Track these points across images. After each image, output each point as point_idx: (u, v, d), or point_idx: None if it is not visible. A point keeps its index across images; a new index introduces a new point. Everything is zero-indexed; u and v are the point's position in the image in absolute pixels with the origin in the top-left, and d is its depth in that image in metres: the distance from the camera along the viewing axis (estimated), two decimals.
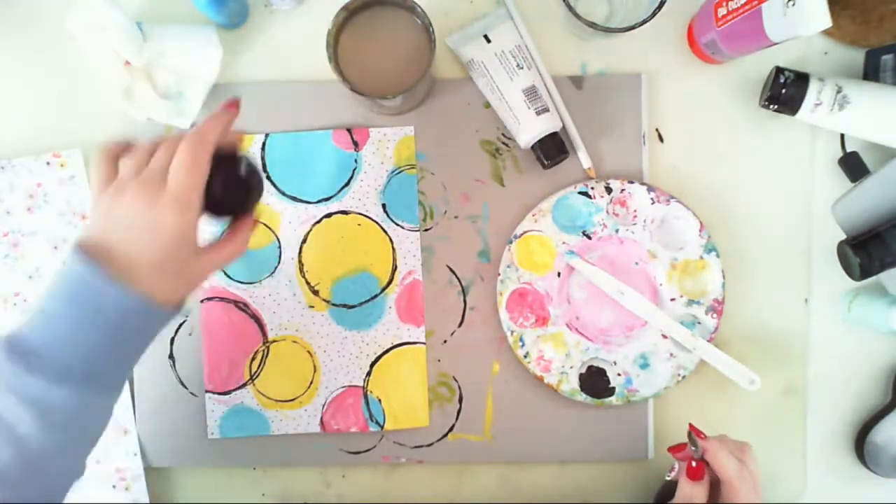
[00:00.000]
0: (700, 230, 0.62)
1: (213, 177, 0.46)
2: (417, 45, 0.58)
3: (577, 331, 0.63)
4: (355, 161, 0.64)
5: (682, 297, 0.62)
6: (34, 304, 0.44)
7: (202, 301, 0.64)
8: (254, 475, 0.66)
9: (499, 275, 0.63)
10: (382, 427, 0.64)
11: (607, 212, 0.63)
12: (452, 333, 0.64)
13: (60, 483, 0.46)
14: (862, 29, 0.62)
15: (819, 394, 0.65)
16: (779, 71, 0.58)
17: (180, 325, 0.64)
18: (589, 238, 0.63)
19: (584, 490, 0.65)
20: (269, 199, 0.64)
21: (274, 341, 0.64)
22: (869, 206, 0.58)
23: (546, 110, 0.61)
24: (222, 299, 0.64)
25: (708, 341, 0.62)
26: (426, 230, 0.64)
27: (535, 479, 0.65)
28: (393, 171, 0.64)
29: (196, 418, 0.65)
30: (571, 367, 0.63)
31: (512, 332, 0.63)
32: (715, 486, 0.52)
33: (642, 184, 0.62)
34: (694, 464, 0.51)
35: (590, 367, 0.63)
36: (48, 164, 0.64)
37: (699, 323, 0.63)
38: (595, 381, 0.63)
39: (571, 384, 0.63)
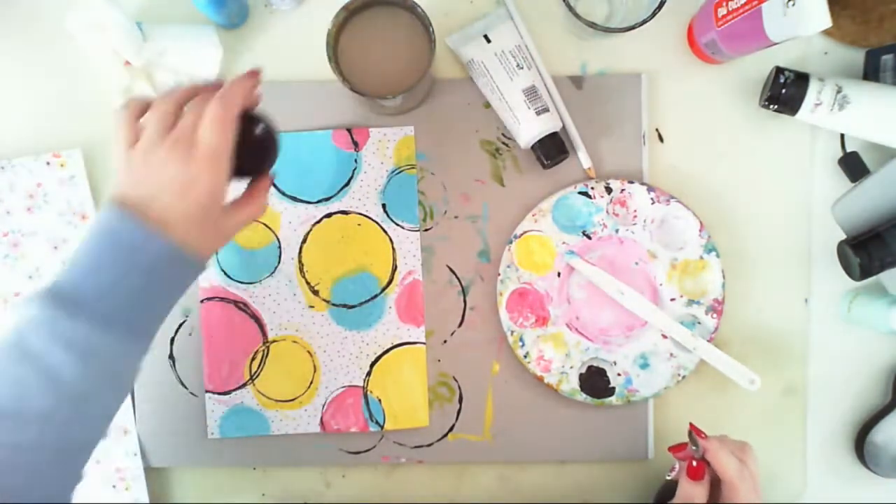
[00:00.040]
0: (700, 230, 0.62)
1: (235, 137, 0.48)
2: (417, 45, 0.58)
3: (577, 331, 0.63)
4: (355, 161, 0.64)
5: (682, 297, 0.62)
6: (69, 257, 0.45)
7: (202, 301, 0.64)
8: (254, 475, 0.66)
9: (499, 275, 0.63)
10: (382, 427, 0.64)
11: (607, 212, 0.63)
12: (452, 333, 0.64)
13: (97, 432, 0.47)
14: (862, 29, 0.62)
15: (819, 394, 0.65)
16: (779, 71, 0.58)
17: (180, 325, 0.64)
18: (589, 238, 0.63)
19: (584, 490, 0.65)
20: (270, 199, 0.64)
21: (274, 341, 0.64)
22: (869, 206, 0.58)
23: (546, 110, 0.61)
24: (222, 299, 0.64)
25: (708, 341, 0.62)
26: (426, 230, 0.64)
27: (535, 479, 0.65)
28: (393, 171, 0.64)
29: (196, 418, 0.65)
30: (571, 367, 0.63)
31: (512, 332, 0.63)
32: (715, 485, 0.52)
33: (642, 184, 0.62)
34: (694, 463, 0.51)
35: (590, 367, 0.63)
36: (48, 164, 0.64)
37: (699, 323, 0.63)
38: (595, 381, 0.63)
39: (571, 384, 0.63)
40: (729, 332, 0.64)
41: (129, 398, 0.64)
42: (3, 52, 0.65)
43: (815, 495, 0.65)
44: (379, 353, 0.64)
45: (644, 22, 0.55)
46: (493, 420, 0.64)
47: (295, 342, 0.64)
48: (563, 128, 0.63)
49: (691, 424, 0.53)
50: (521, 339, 0.63)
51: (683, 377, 0.62)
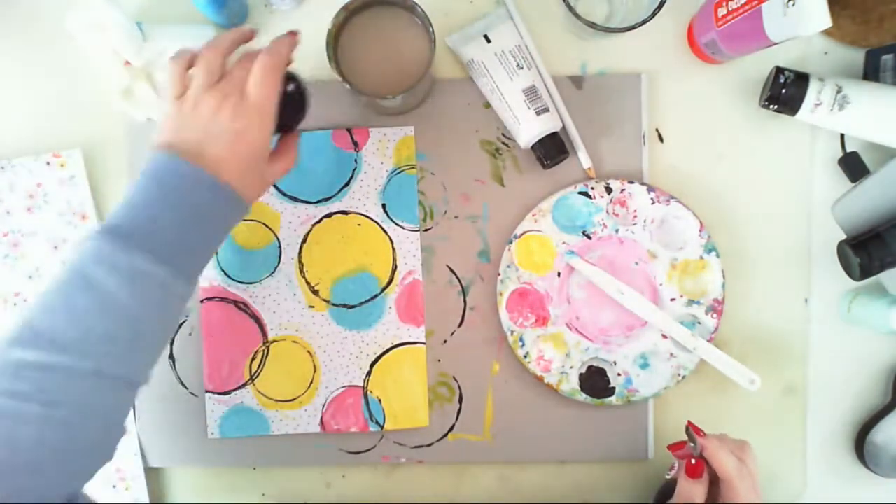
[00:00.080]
0: (700, 230, 0.62)
1: None
2: (417, 45, 0.58)
3: (577, 331, 0.63)
4: (355, 161, 0.64)
5: (682, 297, 0.62)
6: (123, 197, 0.47)
7: (202, 301, 0.64)
8: (254, 475, 0.66)
9: (499, 275, 0.63)
10: (382, 427, 0.64)
11: (607, 212, 0.63)
12: (452, 333, 0.64)
13: (145, 369, 0.49)
14: (862, 29, 0.62)
15: (819, 394, 0.65)
16: (779, 71, 0.58)
17: (180, 325, 0.64)
18: (589, 238, 0.63)
19: (584, 490, 0.65)
20: (270, 199, 0.64)
21: (274, 341, 0.64)
22: (869, 206, 0.58)
23: (546, 110, 0.61)
24: (222, 299, 0.64)
25: (708, 341, 0.62)
26: (426, 230, 0.64)
27: (535, 479, 0.65)
28: (393, 171, 0.64)
29: (196, 418, 0.65)
30: (571, 367, 0.63)
31: (512, 332, 0.63)
32: (714, 484, 0.52)
33: (642, 184, 0.62)
34: (693, 461, 0.51)
35: (590, 367, 0.63)
36: (48, 164, 0.64)
37: (699, 323, 0.63)
38: (595, 381, 0.63)
39: (571, 384, 0.63)
40: (729, 332, 0.64)
41: None
42: (3, 52, 0.65)
43: (815, 495, 0.65)
44: (379, 353, 0.64)
45: (644, 22, 0.55)
46: (493, 420, 0.64)
47: (295, 342, 0.64)
48: (563, 128, 0.63)
49: (689, 422, 0.53)
50: (521, 339, 0.63)
51: (683, 377, 0.62)
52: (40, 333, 0.43)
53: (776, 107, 0.59)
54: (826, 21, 0.49)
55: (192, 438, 0.65)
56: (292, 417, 0.64)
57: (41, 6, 0.65)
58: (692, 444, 0.52)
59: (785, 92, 0.58)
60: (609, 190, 0.62)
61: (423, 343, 0.64)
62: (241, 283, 0.64)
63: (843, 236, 0.59)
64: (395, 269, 0.64)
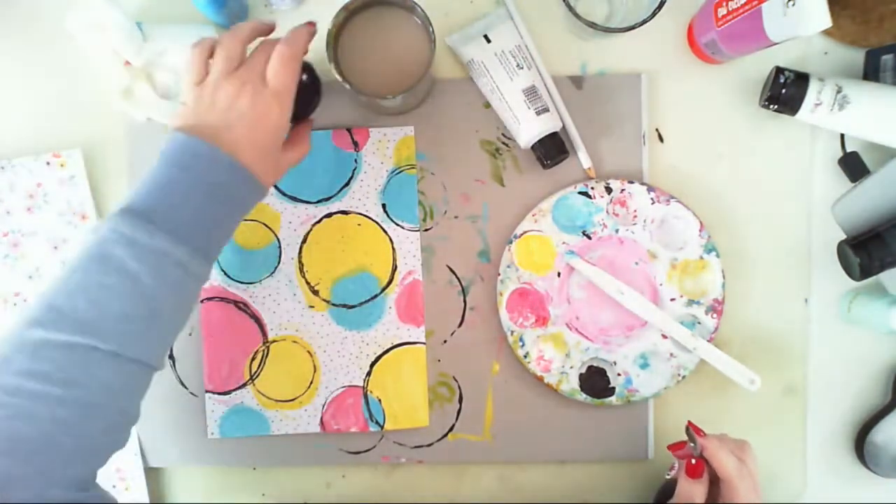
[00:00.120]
0: (700, 230, 0.62)
1: None
2: (417, 45, 0.58)
3: (577, 331, 0.63)
4: (355, 161, 0.64)
5: (682, 297, 0.62)
6: (141, 179, 0.48)
7: (202, 301, 0.64)
8: (254, 475, 0.66)
9: (499, 275, 0.63)
10: (382, 427, 0.64)
11: (607, 212, 0.63)
12: (452, 333, 0.64)
13: (161, 352, 0.49)
14: (862, 29, 0.62)
15: (819, 394, 0.65)
16: (779, 71, 0.58)
17: None
18: (589, 238, 0.63)
19: (584, 490, 0.65)
20: (270, 199, 0.64)
21: (274, 341, 0.64)
22: (869, 206, 0.58)
23: (546, 110, 0.61)
24: (222, 299, 0.64)
25: (708, 341, 0.62)
26: (426, 230, 0.64)
27: (535, 479, 0.65)
28: (393, 171, 0.64)
29: (196, 418, 0.65)
30: (571, 367, 0.63)
31: (512, 332, 0.63)
32: (714, 484, 0.52)
33: (642, 184, 0.62)
34: (693, 461, 0.51)
35: (590, 367, 0.63)
36: (48, 164, 0.64)
37: (699, 323, 0.63)
38: (595, 381, 0.63)
39: (571, 384, 0.63)
40: (729, 332, 0.64)
41: None
42: (3, 52, 0.65)
43: (815, 495, 0.65)
44: (379, 353, 0.64)
45: (644, 22, 0.55)
46: (493, 420, 0.64)
47: (295, 342, 0.64)
48: (563, 128, 0.63)
49: (689, 422, 0.53)
50: (521, 339, 0.63)
51: (683, 377, 0.62)
52: (60, 313, 0.44)
53: (776, 107, 0.59)
54: (826, 21, 0.49)
55: (192, 438, 0.65)
56: (292, 417, 0.64)
57: (41, 6, 0.65)
58: (692, 445, 0.52)
59: (785, 92, 0.58)
60: (609, 190, 0.62)
61: (423, 343, 0.64)
62: (241, 283, 0.64)
63: (843, 236, 0.59)
64: (395, 269, 0.64)
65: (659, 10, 0.54)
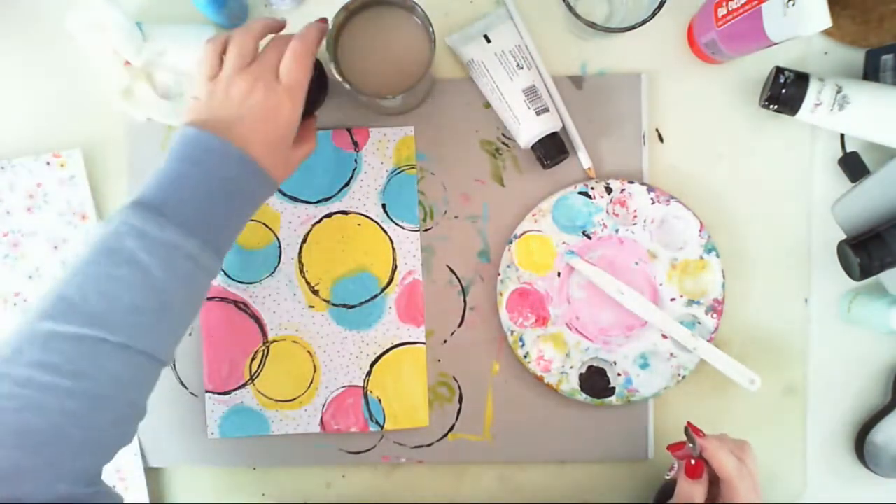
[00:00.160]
0: (700, 230, 0.62)
1: None
2: (417, 45, 0.58)
3: (577, 331, 0.63)
4: (355, 161, 0.64)
5: (682, 297, 0.62)
6: (153, 173, 0.48)
7: None
8: (254, 475, 0.66)
9: (499, 275, 0.63)
10: (382, 427, 0.64)
11: (607, 212, 0.63)
12: (452, 333, 0.64)
13: (170, 345, 0.49)
14: (862, 29, 0.62)
15: (819, 394, 0.65)
16: (779, 71, 0.58)
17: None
18: (589, 238, 0.63)
19: (584, 490, 0.65)
20: (270, 199, 0.64)
21: (274, 341, 0.64)
22: (869, 206, 0.58)
23: (546, 110, 0.61)
24: (222, 299, 0.64)
25: (708, 341, 0.62)
26: (426, 230, 0.64)
27: (535, 479, 0.65)
28: (393, 171, 0.64)
29: (196, 418, 0.65)
30: (571, 367, 0.63)
31: (512, 332, 0.63)
32: (714, 484, 0.52)
33: (642, 184, 0.62)
34: (693, 462, 0.51)
35: (590, 367, 0.63)
36: (48, 164, 0.64)
37: (699, 323, 0.63)
38: (595, 381, 0.63)
39: (571, 384, 0.63)
40: (729, 332, 0.64)
41: None
42: (3, 52, 0.65)
43: (815, 495, 0.65)
44: (379, 353, 0.64)
45: (644, 22, 0.55)
46: (493, 420, 0.64)
47: (295, 342, 0.64)
48: (563, 128, 0.63)
49: (689, 423, 0.53)
50: (521, 339, 0.63)
51: (683, 377, 0.62)
52: (71, 305, 0.44)
53: (776, 107, 0.59)
54: (826, 21, 0.49)
55: (192, 438, 0.65)
56: (292, 417, 0.64)
57: (41, 6, 0.65)
58: (692, 445, 0.52)
59: (785, 92, 0.58)
60: (609, 190, 0.62)
61: (423, 343, 0.64)
62: (241, 283, 0.64)
63: (843, 236, 0.59)
64: (395, 269, 0.64)
65: (659, 10, 0.54)
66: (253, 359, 0.64)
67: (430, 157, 0.64)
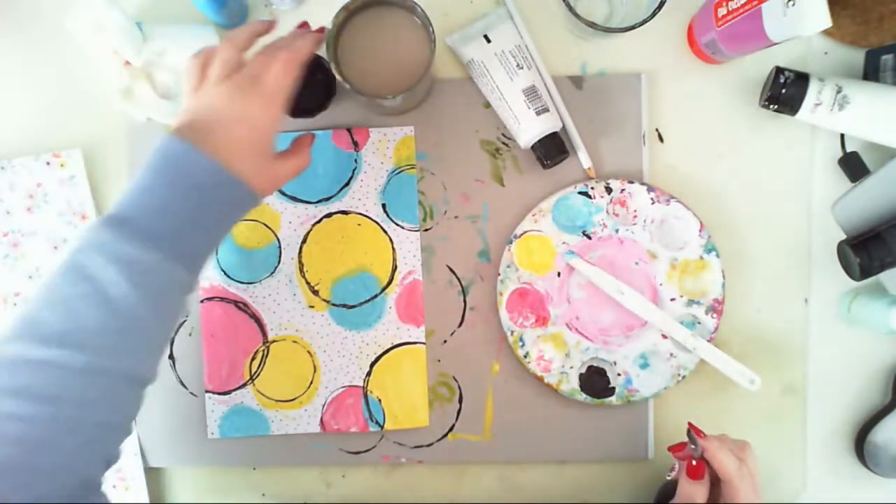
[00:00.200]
0: (700, 230, 0.62)
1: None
2: (417, 45, 0.58)
3: (577, 331, 0.63)
4: (355, 161, 0.64)
5: (682, 297, 0.62)
6: (127, 185, 0.47)
7: (202, 301, 0.64)
8: (254, 475, 0.66)
9: (499, 275, 0.63)
10: (382, 427, 0.64)
11: (607, 212, 0.63)
12: (452, 333, 0.64)
13: (144, 364, 0.48)
14: (862, 29, 0.62)
15: (819, 394, 0.65)
16: (779, 71, 0.58)
17: (180, 326, 0.64)
18: (589, 238, 0.63)
19: (584, 490, 0.65)
20: (270, 199, 0.64)
21: (274, 341, 0.64)
22: (869, 206, 0.58)
23: (546, 110, 0.61)
24: (222, 299, 0.64)
25: (708, 341, 0.62)
26: (426, 230, 0.64)
27: (535, 479, 0.65)
28: (393, 171, 0.64)
29: (196, 418, 0.65)
30: (571, 367, 0.63)
31: (512, 332, 0.63)
32: (715, 485, 0.52)
33: (642, 184, 0.62)
34: (694, 463, 0.51)
35: (590, 367, 0.63)
36: (48, 164, 0.64)
37: (699, 323, 0.63)
38: (595, 381, 0.63)
39: (571, 384, 0.63)
40: (729, 332, 0.64)
41: None
42: (3, 52, 0.65)
43: (815, 495, 0.65)
44: (379, 353, 0.64)
45: (644, 22, 0.55)
46: (493, 420, 0.64)
47: (295, 342, 0.64)
48: (563, 128, 0.63)
49: (690, 424, 0.53)
50: (521, 339, 0.63)
51: (683, 377, 0.62)
52: (35, 327, 0.43)
53: (776, 107, 0.59)
54: (826, 21, 0.49)
55: (192, 438, 0.65)
56: (292, 417, 0.64)
57: (41, 6, 0.65)
58: (693, 446, 0.52)
59: (785, 92, 0.58)
60: (609, 190, 0.62)
61: (423, 343, 0.64)
62: (241, 283, 0.64)
63: (843, 236, 0.59)
64: (395, 269, 0.64)
65: (659, 10, 0.54)
66: (253, 359, 0.64)
67: (430, 157, 0.64)
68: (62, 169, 0.64)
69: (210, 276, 0.64)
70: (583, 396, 0.63)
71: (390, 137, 0.64)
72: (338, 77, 0.56)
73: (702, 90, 0.64)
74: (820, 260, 0.64)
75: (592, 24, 0.55)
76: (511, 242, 0.63)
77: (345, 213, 0.64)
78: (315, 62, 0.57)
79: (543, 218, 0.63)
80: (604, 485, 0.65)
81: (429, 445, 0.64)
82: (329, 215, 0.64)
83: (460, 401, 0.64)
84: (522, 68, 0.61)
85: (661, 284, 0.63)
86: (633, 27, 0.55)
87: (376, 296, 0.64)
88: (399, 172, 0.64)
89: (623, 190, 0.62)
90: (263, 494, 0.66)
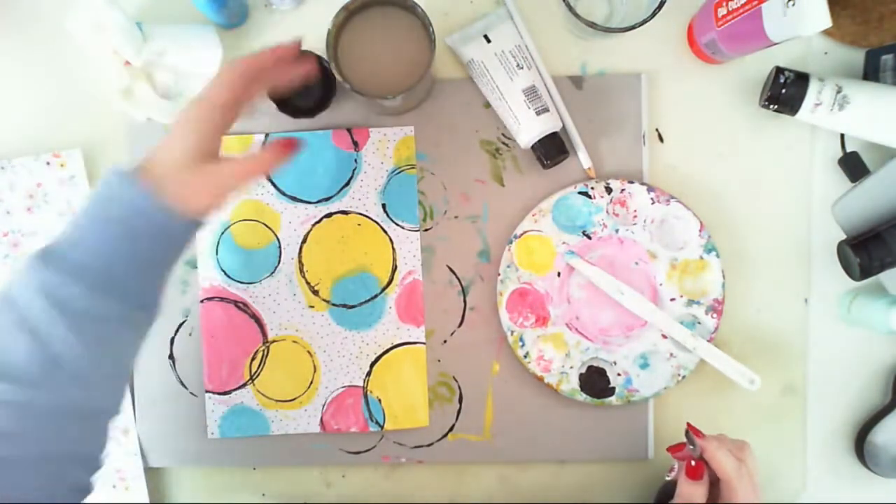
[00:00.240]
0: (700, 230, 0.62)
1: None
2: (417, 45, 0.58)
3: (577, 331, 0.63)
4: (355, 161, 0.64)
5: (682, 297, 0.62)
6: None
7: (202, 301, 0.64)
8: (254, 475, 0.66)
9: (499, 275, 0.63)
10: (382, 427, 0.64)
11: (607, 212, 0.63)
12: (452, 333, 0.64)
13: (88, 396, 0.46)
14: (862, 29, 0.62)
15: (819, 394, 0.65)
16: (779, 71, 0.58)
17: (180, 325, 0.65)
18: (589, 238, 0.63)
19: (584, 490, 0.65)
20: (270, 199, 0.64)
21: (274, 341, 0.64)
22: (869, 206, 0.58)
23: (546, 110, 0.61)
24: (222, 299, 0.64)
25: (708, 341, 0.62)
26: (426, 230, 0.64)
27: (535, 479, 0.65)
28: (393, 171, 0.64)
29: (196, 418, 0.65)
30: (571, 367, 0.63)
31: (512, 332, 0.63)
32: (715, 485, 0.52)
33: (642, 184, 0.62)
34: (693, 463, 0.51)
35: (590, 367, 0.63)
36: (48, 164, 0.64)
37: (699, 323, 0.63)
38: (595, 381, 0.63)
39: (571, 384, 0.63)
40: (729, 332, 0.64)
41: (129, 398, 0.64)
42: (3, 52, 0.65)
43: (815, 495, 0.65)
44: (379, 353, 0.64)
45: (644, 22, 0.55)
46: (493, 420, 0.64)
47: (295, 342, 0.64)
48: (563, 128, 0.63)
49: (688, 424, 0.53)
50: (521, 339, 0.63)
51: (683, 377, 0.62)
52: None
53: (776, 107, 0.59)
54: (826, 21, 0.49)
55: (192, 438, 0.65)
56: (292, 417, 0.64)
57: (41, 6, 0.65)
58: (692, 446, 0.52)
59: (785, 92, 0.58)
60: (609, 190, 0.62)
61: (423, 343, 0.64)
62: (241, 283, 0.64)
63: (843, 236, 0.59)
64: (395, 269, 0.64)
65: (659, 10, 0.54)
66: (253, 359, 0.64)
67: (430, 157, 0.64)
68: (62, 169, 0.64)
69: (210, 276, 0.64)
70: (583, 396, 0.63)
71: (390, 137, 0.64)
72: (338, 77, 0.56)
73: (702, 90, 0.64)
74: (820, 260, 0.64)
75: (592, 24, 0.55)
76: (511, 242, 0.63)
77: (345, 213, 0.64)
78: (314, 62, 0.57)
79: (543, 218, 0.63)
80: (604, 485, 0.65)
81: (429, 445, 0.64)
82: (329, 215, 0.64)
83: (460, 401, 0.64)
84: (522, 68, 0.61)
85: (661, 284, 0.63)
86: (633, 27, 0.55)
87: (376, 296, 0.64)
88: (399, 172, 0.64)
89: (623, 190, 0.62)
90: (263, 494, 0.66)
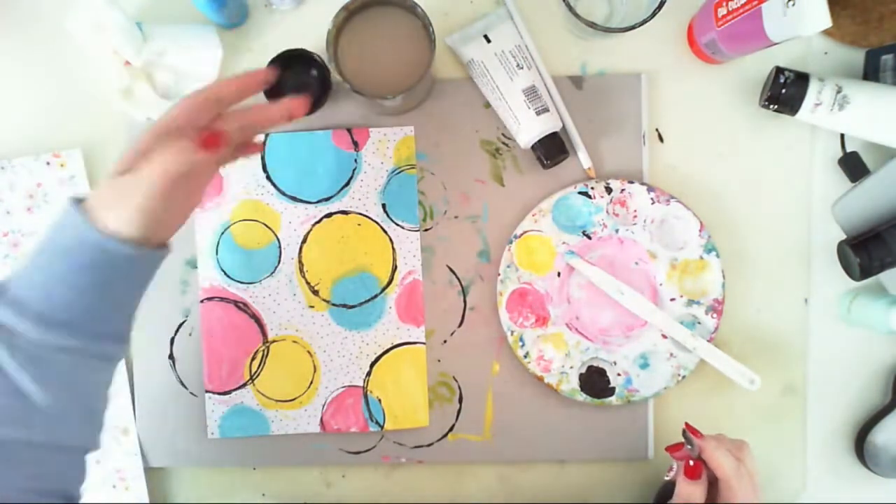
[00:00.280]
0: (700, 230, 0.62)
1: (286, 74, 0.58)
2: (417, 45, 0.58)
3: (577, 331, 0.63)
4: (355, 161, 0.64)
5: (682, 297, 0.62)
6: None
7: (202, 301, 0.64)
8: (254, 475, 0.66)
9: (499, 275, 0.63)
10: (382, 427, 0.64)
11: (607, 212, 0.63)
12: (452, 333, 0.64)
13: (57, 438, 0.45)
14: (862, 29, 0.62)
15: (819, 394, 0.65)
16: (779, 71, 0.58)
17: (180, 325, 0.65)
18: (589, 238, 0.63)
19: (584, 490, 0.65)
20: (270, 199, 0.64)
21: (274, 341, 0.64)
22: (869, 206, 0.58)
23: (546, 110, 0.61)
24: (222, 299, 0.64)
25: (708, 341, 0.62)
26: (426, 230, 0.64)
27: (535, 479, 0.65)
28: (393, 171, 0.64)
29: (196, 418, 0.65)
30: (571, 367, 0.63)
31: (512, 332, 0.63)
32: (714, 485, 0.52)
33: (642, 184, 0.62)
34: (691, 463, 0.51)
35: (590, 367, 0.63)
36: (48, 164, 0.64)
37: (699, 323, 0.63)
38: (595, 381, 0.63)
39: (571, 384, 0.63)
40: (729, 332, 0.64)
41: (129, 398, 0.64)
42: (3, 52, 0.65)
43: (815, 495, 0.65)
44: (379, 353, 0.64)
45: (644, 22, 0.55)
46: (493, 420, 0.64)
47: (295, 342, 0.64)
48: (563, 128, 0.63)
49: (686, 424, 0.53)
50: (521, 339, 0.63)
51: (683, 377, 0.62)
52: None
53: (776, 107, 0.59)
54: (826, 21, 0.49)
55: (192, 438, 0.65)
56: (292, 417, 0.64)
57: (41, 6, 0.65)
58: (690, 446, 0.52)
59: (785, 92, 0.58)
60: (609, 190, 0.62)
61: (423, 343, 0.64)
62: (241, 283, 0.64)
63: (843, 236, 0.59)
64: (395, 269, 0.64)
65: (659, 10, 0.54)
66: (253, 359, 0.64)
67: (430, 157, 0.64)
68: (62, 169, 0.64)
69: (210, 276, 0.64)
70: (583, 396, 0.63)
71: (390, 137, 0.64)
72: (338, 77, 0.56)
73: (702, 90, 0.64)
74: (820, 260, 0.64)
75: (592, 24, 0.55)
76: (511, 242, 0.63)
77: (345, 213, 0.64)
78: (308, 59, 0.57)
79: (543, 218, 0.63)
80: (604, 485, 0.65)
81: (429, 445, 0.64)
82: (329, 215, 0.64)
83: (460, 401, 0.64)
84: (522, 68, 0.61)
85: (661, 284, 0.63)
86: (633, 27, 0.55)
87: (376, 296, 0.64)
88: (399, 172, 0.64)
89: (623, 190, 0.62)
90: (263, 494, 0.66)
